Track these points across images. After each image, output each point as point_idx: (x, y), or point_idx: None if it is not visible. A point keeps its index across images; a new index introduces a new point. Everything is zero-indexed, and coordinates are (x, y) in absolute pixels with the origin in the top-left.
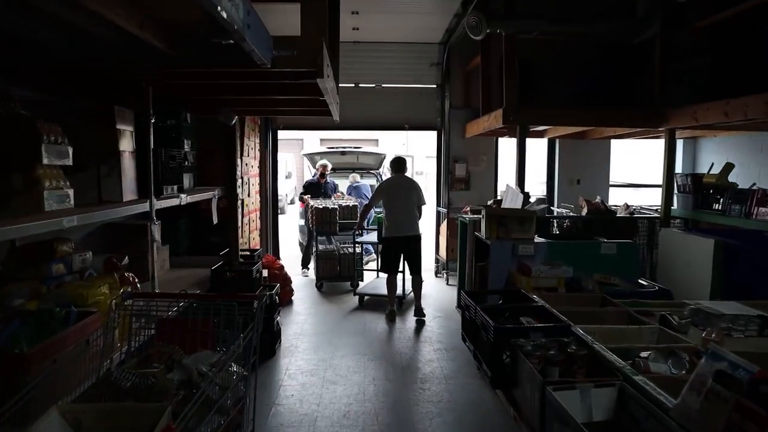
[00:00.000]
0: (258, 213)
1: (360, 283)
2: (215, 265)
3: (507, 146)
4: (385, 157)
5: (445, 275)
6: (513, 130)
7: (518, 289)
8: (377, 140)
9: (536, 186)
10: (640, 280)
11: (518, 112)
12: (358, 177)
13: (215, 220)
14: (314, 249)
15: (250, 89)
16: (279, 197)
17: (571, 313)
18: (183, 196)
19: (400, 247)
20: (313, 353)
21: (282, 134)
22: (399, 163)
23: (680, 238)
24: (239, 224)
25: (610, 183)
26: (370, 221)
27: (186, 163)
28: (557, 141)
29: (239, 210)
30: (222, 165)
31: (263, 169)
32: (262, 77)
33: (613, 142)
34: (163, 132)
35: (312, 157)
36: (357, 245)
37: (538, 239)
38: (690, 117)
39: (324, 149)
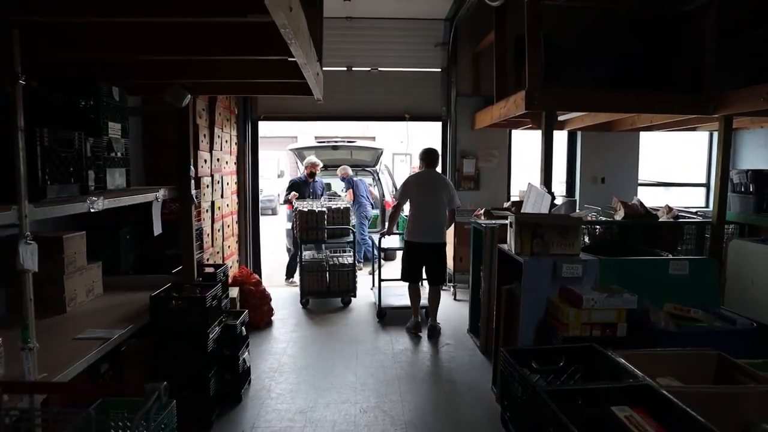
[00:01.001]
0: (235, 216)
1: (353, 298)
2: (160, 290)
3: (521, 140)
4: (382, 153)
5: (452, 288)
6: (536, 119)
7: (588, 345)
8: (374, 138)
9: (554, 185)
10: (722, 309)
11: (544, 95)
12: (349, 169)
13: (157, 230)
14: (299, 258)
15: (192, 45)
16: (270, 198)
17: (685, 394)
18: (96, 199)
19: (422, 255)
20: (290, 400)
21: (274, 131)
22: (431, 156)
23: (759, 251)
24: (210, 231)
25: (639, 181)
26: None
27: (113, 154)
28: (579, 134)
29: (209, 214)
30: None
31: (241, 166)
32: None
33: (643, 135)
34: (70, 111)
35: (300, 153)
36: (349, 252)
37: (584, 255)
38: (756, 98)
39: (314, 143)
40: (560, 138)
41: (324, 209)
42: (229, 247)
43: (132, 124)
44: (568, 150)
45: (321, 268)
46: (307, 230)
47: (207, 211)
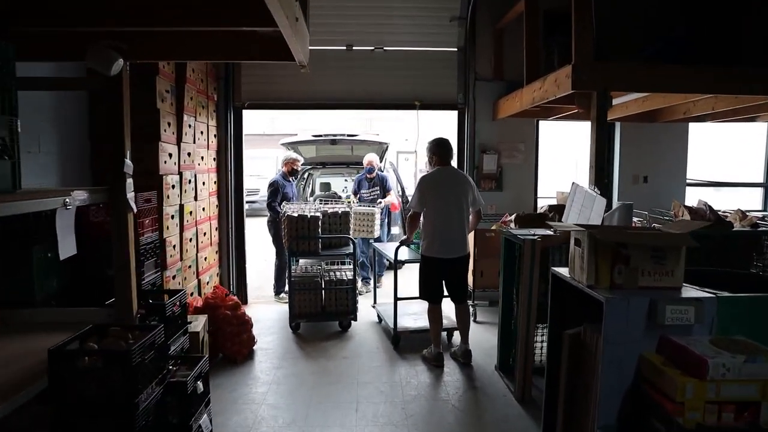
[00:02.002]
0: (214, 222)
1: (353, 321)
2: (69, 338)
3: (551, 132)
4: (387, 147)
5: (471, 308)
6: (584, 102)
7: None
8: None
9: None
10: None
11: (595, 71)
12: (375, 158)
13: (65, 250)
14: (287, 274)
15: None
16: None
17: None
18: None
19: (445, 271)
20: None
21: (274, 128)
22: (445, 148)
23: None
24: (178, 241)
25: (688, 181)
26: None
27: None
28: (617, 125)
29: (176, 220)
30: (143, 153)
31: (222, 163)
32: None
33: (692, 126)
34: None
35: (296, 147)
36: (348, 265)
37: (691, 289)
38: None
39: (309, 137)
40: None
41: (318, 214)
42: (205, 258)
43: (73, 110)
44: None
45: (314, 285)
46: (298, 240)
47: (173, 217)
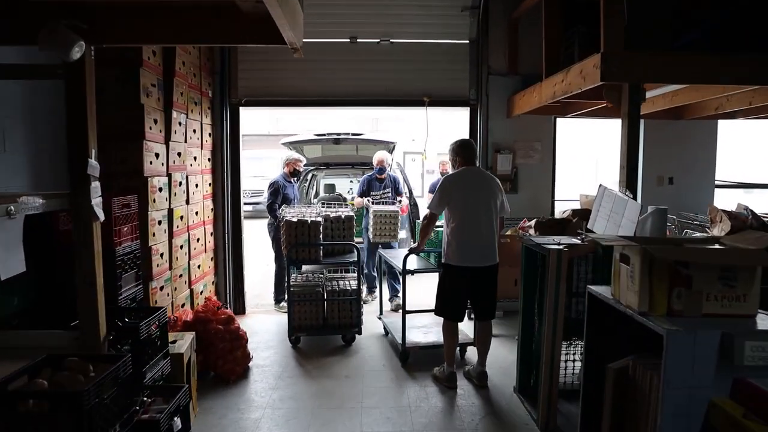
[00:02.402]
0: (209, 227)
1: (357, 336)
2: (19, 369)
3: (567, 130)
4: (394, 147)
5: None
6: (613, 96)
7: None
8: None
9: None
10: None
11: (628, 61)
12: (387, 156)
13: (11, 268)
14: (286, 284)
15: None
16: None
17: None
18: None
19: (469, 283)
20: None
21: (278, 128)
22: (470, 149)
23: None
24: (166, 249)
25: (716, 182)
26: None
27: None
28: (641, 122)
29: (163, 226)
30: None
31: (218, 163)
32: None
33: (721, 124)
34: None
35: (298, 147)
36: (353, 274)
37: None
38: None
39: (312, 136)
40: (612, 127)
41: (319, 219)
42: (199, 266)
43: (46, 103)
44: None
45: (315, 296)
46: (297, 247)
47: (160, 222)
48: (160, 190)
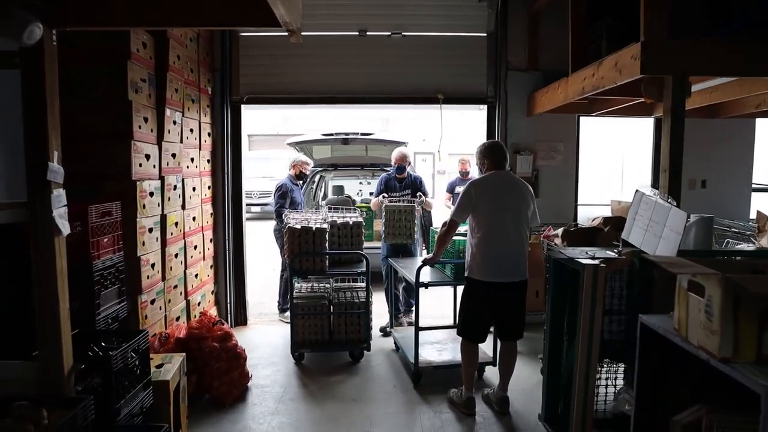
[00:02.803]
0: (209, 233)
1: (365, 352)
2: None
3: (592, 129)
4: (405, 147)
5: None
6: (653, 89)
7: None
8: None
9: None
10: None
11: (673, 50)
12: (405, 152)
13: None
14: (289, 296)
15: None
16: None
17: None
18: None
19: (495, 300)
20: None
21: (286, 128)
22: (500, 152)
23: None
24: (159, 259)
25: (753, 185)
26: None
27: None
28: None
29: (155, 234)
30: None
31: (218, 166)
32: None
33: (759, 123)
34: None
35: (305, 147)
36: (361, 284)
37: None
38: None
39: (319, 136)
40: (639, 126)
41: (325, 226)
42: (196, 275)
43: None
44: (654, 144)
45: (321, 308)
46: (300, 257)
47: (151, 230)
48: (152, 194)
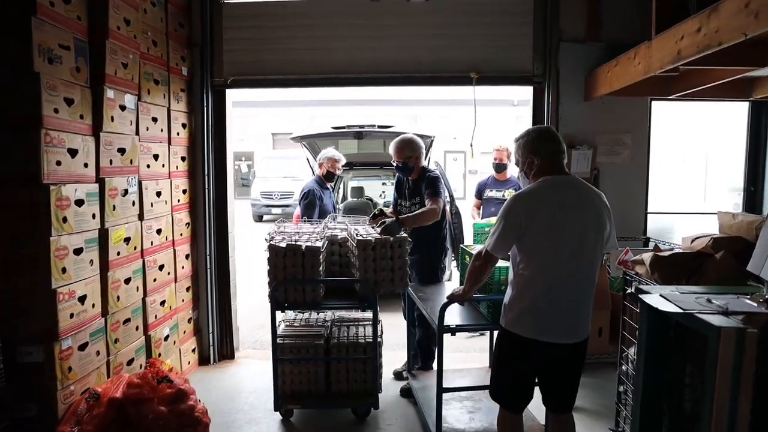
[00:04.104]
0: (184, 247)
1: (373, 409)
2: None
3: (669, 115)
4: (432, 142)
5: None
6: None
7: None
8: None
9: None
10: None
11: None
12: (409, 143)
13: None
14: (272, 331)
15: None
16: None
17: None
18: None
19: (545, 363)
20: None
21: (311, 127)
22: (553, 145)
23: None
24: (99, 288)
25: None
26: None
27: None
28: None
29: (89, 254)
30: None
31: (197, 164)
32: None
33: None
34: None
35: (312, 143)
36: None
37: None
38: None
39: (329, 129)
40: (729, 111)
41: (318, 244)
42: (163, 302)
43: None
44: (749, 133)
45: (315, 351)
46: (285, 285)
47: (78, 251)
48: (79, 203)
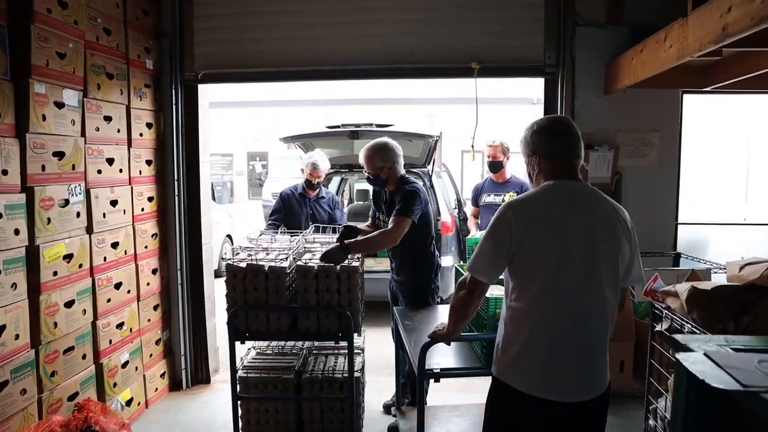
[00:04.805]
0: (153, 261)
1: None
2: None
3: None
4: (436, 142)
5: None
6: None
7: None
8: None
9: None
10: None
11: None
12: (378, 150)
13: None
14: (231, 367)
15: None
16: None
17: None
18: None
19: (551, 426)
20: None
21: (321, 126)
22: (564, 141)
23: None
24: (24, 313)
25: None
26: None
27: None
28: None
29: (19, 277)
30: None
31: (167, 169)
32: None
33: None
34: None
35: (307, 144)
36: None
37: None
38: None
39: (323, 129)
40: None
41: (285, 264)
42: (120, 325)
43: None
44: None
45: (284, 387)
46: (246, 311)
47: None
48: None
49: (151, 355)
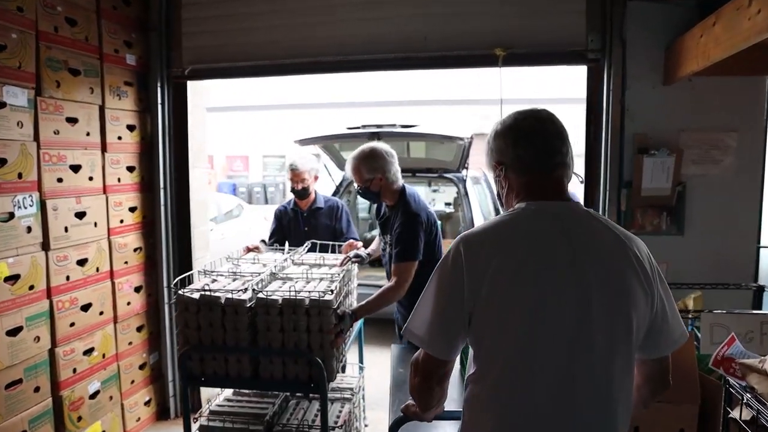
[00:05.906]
0: (136, 277)
1: None
2: None
3: None
4: (469, 144)
5: None
6: None
7: None
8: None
9: None
10: None
11: None
12: (369, 160)
13: None
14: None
15: None
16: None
17: None
18: None
19: None
20: None
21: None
22: (534, 139)
23: None
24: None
25: None
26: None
27: None
28: None
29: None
30: None
31: (152, 176)
32: None
33: None
34: None
35: (329, 147)
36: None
37: None
38: None
39: (343, 131)
40: None
41: (245, 297)
42: (88, 351)
43: None
44: None
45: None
46: (201, 352)
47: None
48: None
49: (132, 381)
